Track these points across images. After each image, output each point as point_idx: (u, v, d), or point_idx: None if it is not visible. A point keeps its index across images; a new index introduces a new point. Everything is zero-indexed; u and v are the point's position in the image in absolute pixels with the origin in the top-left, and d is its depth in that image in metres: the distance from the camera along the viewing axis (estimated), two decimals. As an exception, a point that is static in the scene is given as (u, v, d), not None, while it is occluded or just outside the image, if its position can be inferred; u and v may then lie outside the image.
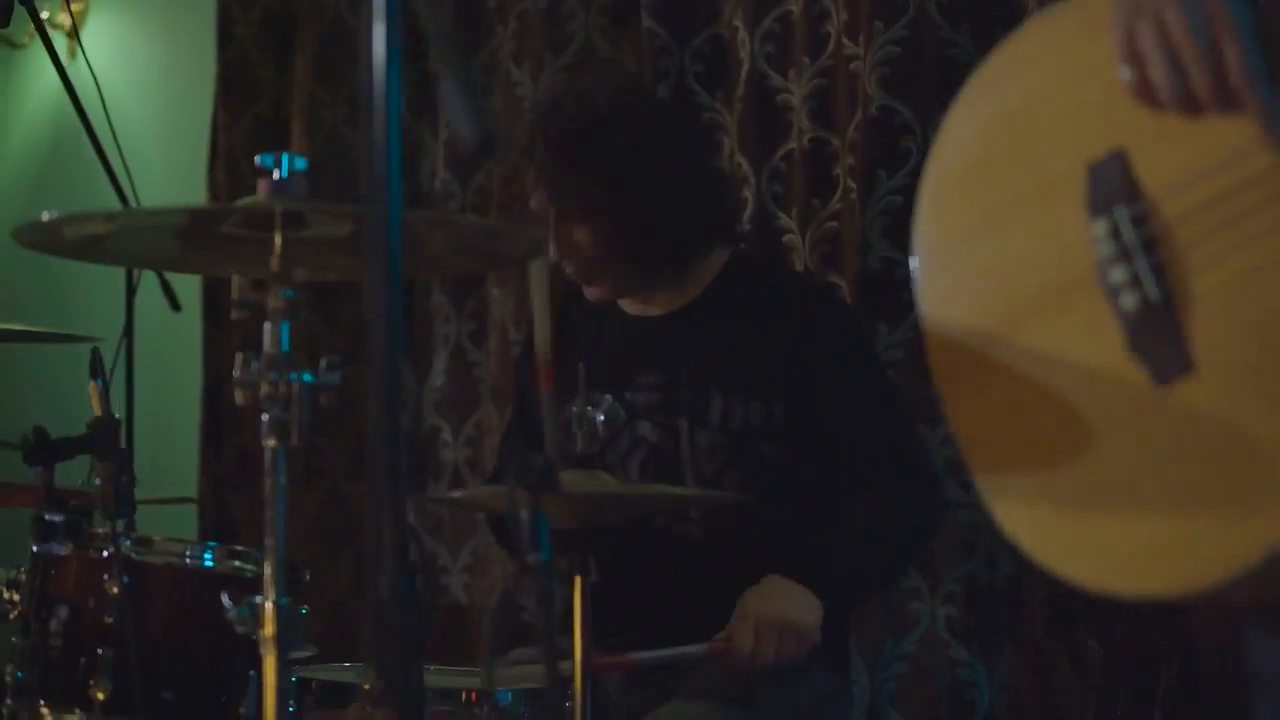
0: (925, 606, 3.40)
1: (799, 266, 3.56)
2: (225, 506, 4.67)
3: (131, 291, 4.19)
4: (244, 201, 2.19)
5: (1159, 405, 1.68)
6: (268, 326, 2.18)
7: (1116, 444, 1.73)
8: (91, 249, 2.31)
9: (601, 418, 2.56)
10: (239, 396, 2.17)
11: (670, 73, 3.79)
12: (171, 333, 4.44)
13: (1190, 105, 1.69)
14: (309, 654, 2.80)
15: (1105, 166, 1.75)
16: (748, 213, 3.67)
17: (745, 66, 3.69)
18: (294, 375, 2.16)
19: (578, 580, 2.56)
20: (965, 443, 1.87)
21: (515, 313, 4.09)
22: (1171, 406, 1.67)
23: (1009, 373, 1.82)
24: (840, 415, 3.03)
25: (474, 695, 2.71)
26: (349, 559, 4.52)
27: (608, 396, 2.59)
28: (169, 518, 4.47)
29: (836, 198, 3.53)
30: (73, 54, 5.32)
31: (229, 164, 4.75)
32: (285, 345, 2.18)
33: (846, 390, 3.04)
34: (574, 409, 2.60)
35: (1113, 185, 1.73)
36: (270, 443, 2.16)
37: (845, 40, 3.49)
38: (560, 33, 4.00)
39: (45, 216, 2.15)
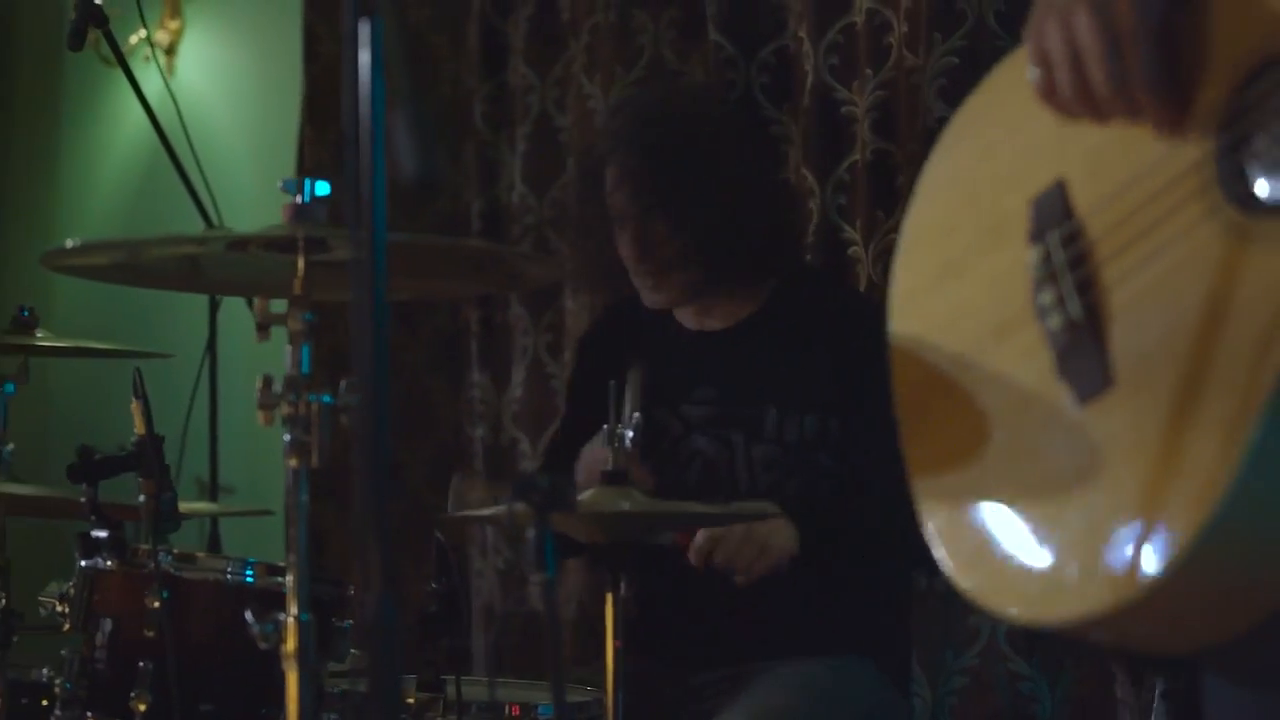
0: (986, 620, 3.43)
1: (863, 279, 3.61)
2: (312, 518, 4.76)
3: (214, 308, 4.33)
4: (267, 229, 2.27)
5: (1077, 424, 1.70)
6: (288, 349, 2.26)
7: (1037, 467, 1.75)
8: (116, 273, 2.42)
9: (630, 434, 2.62)
10: (261, 418, 2.26)
11: (737, 85, 3.86)
12: (259, 345, 4.54)
13: (1092, 106, 1.70)
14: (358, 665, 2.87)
15: (1046, 196, 1.78)
16: (812, 225, 3.71)
17: (810, 79, 3.74)
18: (314, 397, 2.23)
19: (609, 595, 2.61)
20: (915, 477, 1.91)
21: (589, 328, 4.16)
22: (1088, 424, 1.69)
23: (956, 409, 1.86)
24: (877, 431, 3.08)
25: (516, 709, 2.79)
26: (428, 567, 4.61)
27: (637, 415, 2.65)
28: (258, 530, 4.58)
29: (900, 210, 3.56)
30: (170, 72, 5.46)
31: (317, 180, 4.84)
32: (306, 367, 2.25)
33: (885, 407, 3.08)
34: (605, 426, 2.66)
35: (1050, 212, 1.77)
36: (291, 463, 2.24)
37: (906, 52, 3.53)
38: (630, 46, 4.08)
39: (69, 244, 2.26)
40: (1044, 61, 1.72)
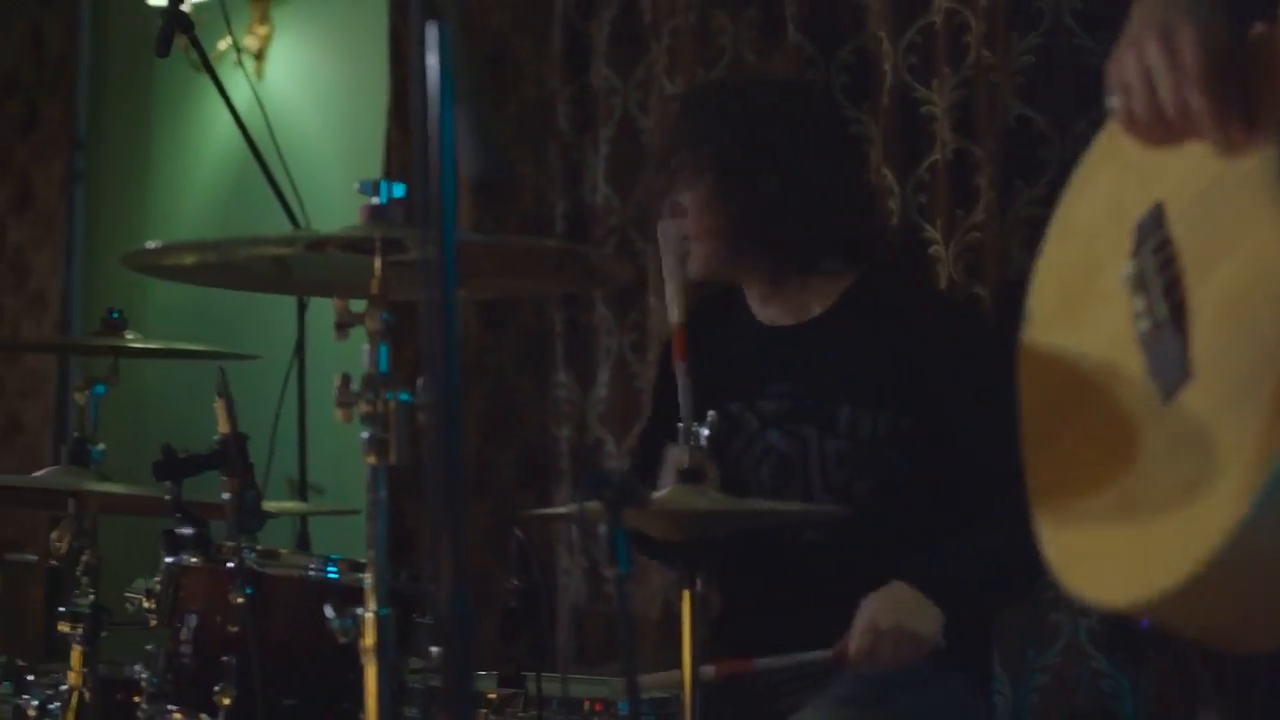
0: (1067, 617, 3.43)
1: (943, 278, 3.62)
2: (399, 516, 4.82)
3: (302, 309, 4.39)
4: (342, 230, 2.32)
5: (1163, 417, 1.75)
6: (366, 348, 2.30)
7: (1128, 463, 1.80)
8: (201, 275, 2.47)
9: (706, 432, 2.64)
10: (339, 415, 2.30)
11: (817, 85, 3.88)
12: (348, 345, 4.59)
13: (1165, 129, 1.75)
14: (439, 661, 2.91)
15: (1147, 218, 1.87)
16: (893, 223, 3.73)
17: (889, 79, 3.76)
18: (391, 395, 2.27)
19: (685, 593, 2.64)
20: (1034, 489, 1.99)
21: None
22: (1172, 416, 1.74)
23: (1077, 421, 1.97)
24: (964, 429, 3.10)
25: (598, 705, 2.83)
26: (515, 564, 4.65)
27: (712, 412, 2.68)
28: (347, 528, 4.63)
29: (980, 208, 3.58)
30: (259, 77, 5.53)
31: (402, 181, 4.89)
32: (383, 365, 2.30)
33: (972, 405, 3.10)
34: (679, 425, 2.69)
35: (1147, 230, 1.84)
36: (370, 460, 2.29)
37: (984, 51, 3.54)
38: (711, 47, 4.11)
39: (150, 245, 2.31)
40: (1123, 90, 1.79)
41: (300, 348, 4.35)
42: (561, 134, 4.54)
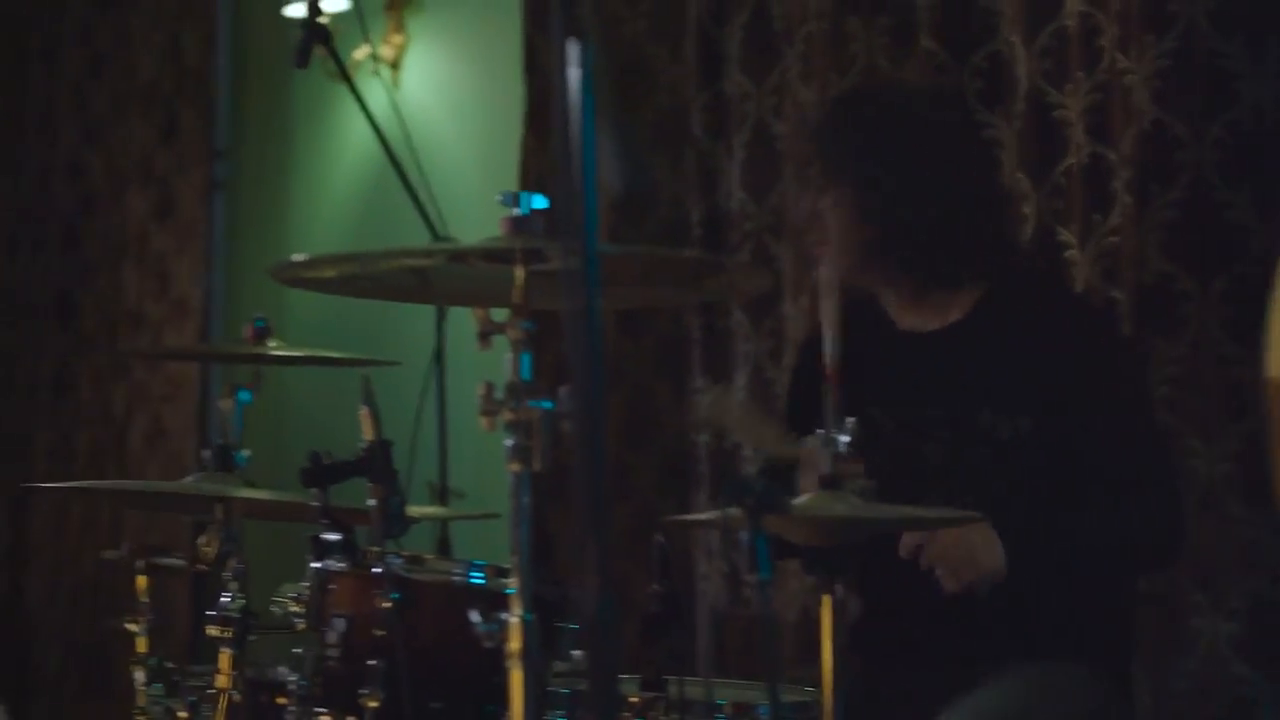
0: (1208, 623, 3.43)
1: (1080, 283, 3.63)
2: (540, 521, 4.85)
3: (441, 316, 4.45)
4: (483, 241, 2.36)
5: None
6: (509, 356, 2.34)
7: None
8: (344, 286, 2.52)
9: (846, 439, 2.66)
10: (484, 423, 2.34)
11: (953, 91, 3.88)
12: (485, 352, 4.64)
13: None
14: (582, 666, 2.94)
15: None
16: (1028, 229, 3.73)
17: (1023, 83, 3.76)
18: (535, 403, 2.31)
19: (825, 599, 2.66)
20: None
21: (810, 331, 4.21)
22: None
23: None
24: (1099, 433, 3.11)
25: (739, 709, 2.85)
26: (656, 568, 4.68)
27: (852, 420, 2.69)
28: (487, 533, 4.68)
29: (1116, 213, 3.58)
30: (396, 85, 5.60)
31: (538, 189, 4.93)
32: (526, 374, 2.33)
33: (1107, 409, 3.12)
34: (819, 431, 2.71)
35: None
36: (514, 467, 2.33)
37: (1118, 54, 3.54)
38: (844, 54, 4.13)
39: (297, 258, 2.36)
40: None
41: (439, 354, 4.41)
42: (696, 141, 4.58)
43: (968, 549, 3.01)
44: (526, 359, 2.36)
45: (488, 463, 4.89)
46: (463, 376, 4.72)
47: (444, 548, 4.32)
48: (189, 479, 3.36)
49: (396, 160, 4.56)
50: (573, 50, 1.86)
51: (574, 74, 1.84)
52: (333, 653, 2.79)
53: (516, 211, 2.43)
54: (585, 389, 1.86)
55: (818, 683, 2.69)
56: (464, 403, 4.68)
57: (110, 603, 6.29)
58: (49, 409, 6.72)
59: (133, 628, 3.48)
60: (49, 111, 6.90)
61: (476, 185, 5.38)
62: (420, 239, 4.87)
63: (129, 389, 6.46)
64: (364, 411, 2.77)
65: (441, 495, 4.38)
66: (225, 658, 3.00)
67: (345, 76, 4.60)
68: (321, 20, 4.17)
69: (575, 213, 1.82)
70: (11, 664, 6.72)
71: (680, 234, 4.59)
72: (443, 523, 4.31)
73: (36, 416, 6.75)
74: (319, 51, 4.35)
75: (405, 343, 4.63)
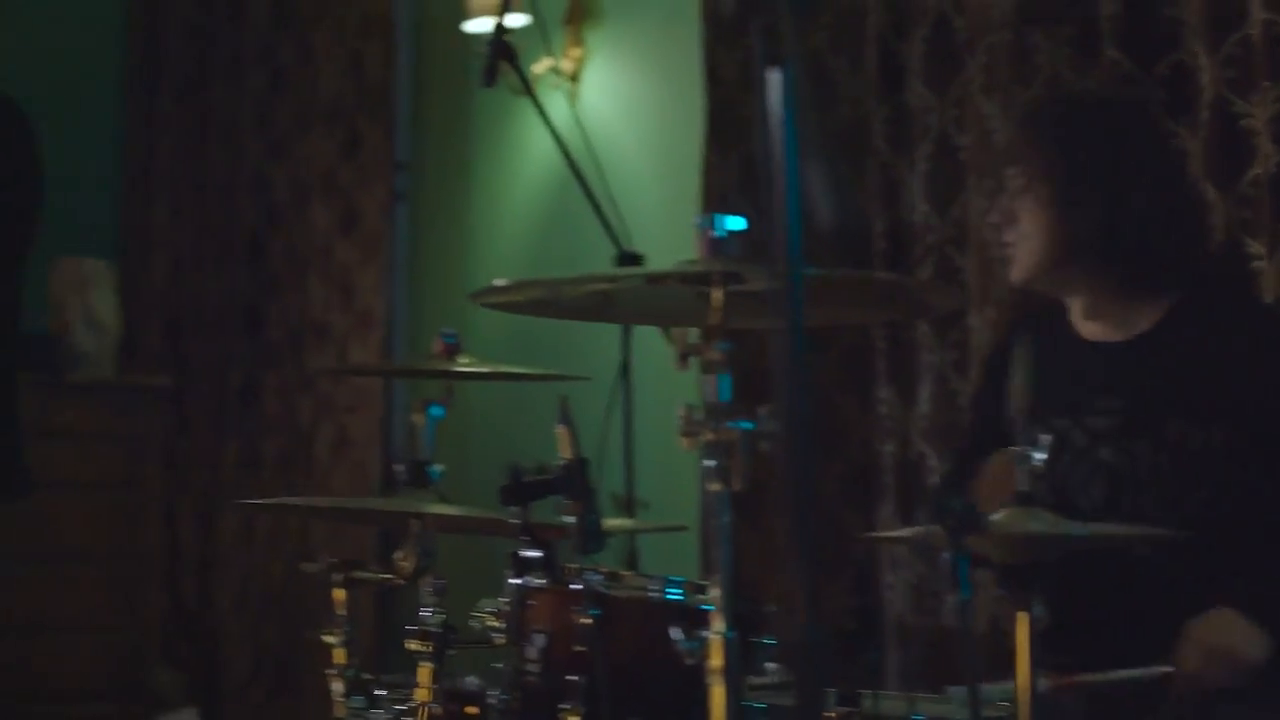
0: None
1: (1269, 293, 3.60)
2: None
3: (627, 331, 4.50)
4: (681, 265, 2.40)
5: None
6: (707, 378, 2.38)
7: None
8: (534, 306, 2.58)
9: (1043, 456, 2.66)
10: (684, 444, 2.38)
11: (1144, 101, 3.87)
12: (669, 365, 4.68)
13: None
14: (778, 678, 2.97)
15: None
16: (1216, 240, 3.72)
17: (1208, 93, 3.74)
18: (733, 424, 2.34)
19: (1021, 615, 2.66)
20: None
21: (995, 346, 4.21)
22: None
23: None
24: None
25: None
26: (846, 582, 4.69)
27: (1048, 436, 2.70)
28: (673, 545, 4.72)
29: (1306, 223, 3.56)
30: (575, 98, 5.65)
31: (720, 202, 4.97)
32: (724, 395, 2.37)
33: None
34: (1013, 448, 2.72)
35: None
36: (714, 487, 2.36)
37: (1304, 63, 3.53)
38: (1027, 65, 4.13)
39: (497, 282, 2.42)
40: None
41: (625, 369, 4.47)
42: (878, 153, 4.58)
43: (1238, 659, 3.01)
44: (725, 380, 2.40)
45: (672, 475, 4.97)
46: (646, 389, 4.79)
47: (632, 559, 4.37)
48: (371, 495, 3.42)
49: (580, 173, 4.62)
50: (775, 80, 1.89)
51: (776, 104, 1.87)
52: (532, 668, 2.84)
53: (714, 234, 2.46)
54: (791, 410, 1.89)
55: (1012, 697, 2.71)
56: (648, 415, 4.76)
57: (298, 611, 6.41)
58: (236, 420, 6.84)
59: (330, 639, 3.54)
60: (233, 127, 7.03)
61: (656, 197, 5.43)
62: (602, 251, 4.93)
63: (315, 400, 6.57)
64: (561, 430, 2.81)
65: (628, 508, 4.43)
66: (425, 671, 3.06)
67: (529, 91, 4.66)
68: (507, 39, 4.23)
69: (780, 236, 1.85)
70: (202, 669, 6.85)
71: (863, 247, 4.60)
72: (630, 535, 4.35)
73: (224, 427, 6.88)
74: (502, 66, 4.42)
75: (586, 356, 4.68)
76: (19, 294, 2.23)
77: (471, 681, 3.18)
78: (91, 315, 6.40)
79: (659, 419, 5.00)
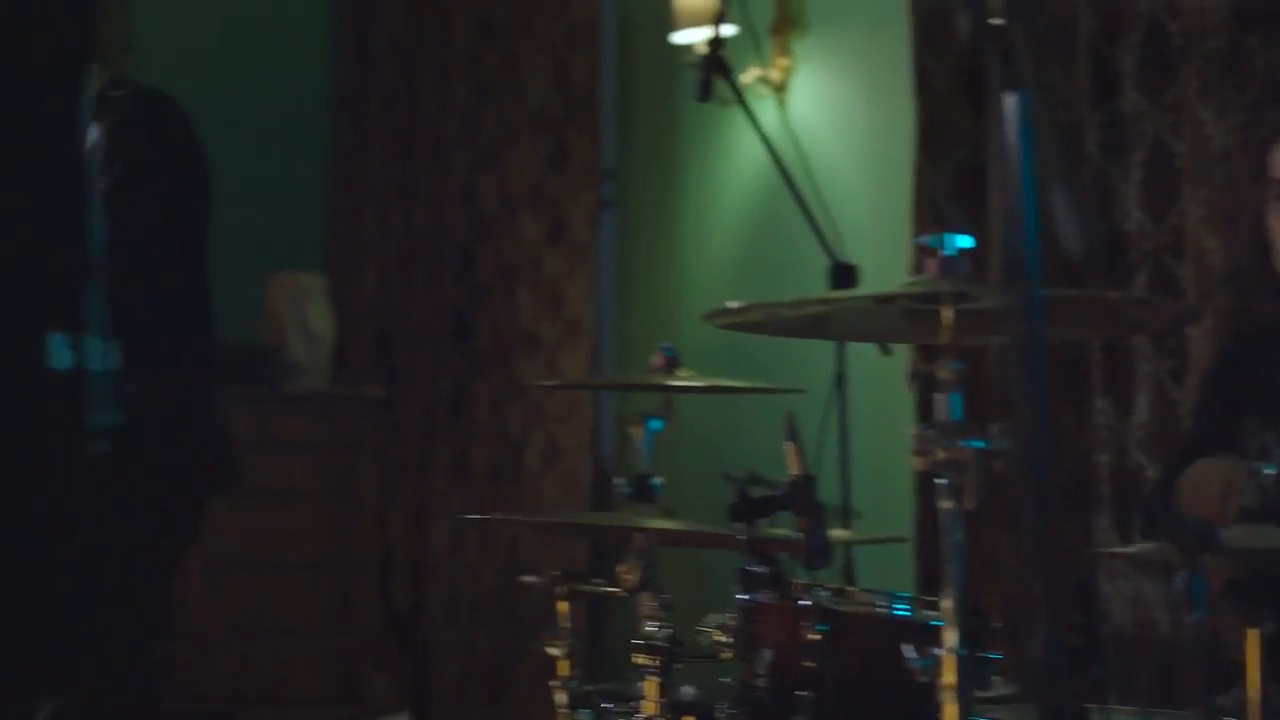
0: None
1: None
2: (939, 543, 4.88)
3: (842, 344, 4.53)
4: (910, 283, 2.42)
5: None
6: (938, 396, 2.40)
7: None
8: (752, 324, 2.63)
9: (1273, 471, 2.65)
10: (916, 462, 2.40)
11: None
12: (885, 374, 4.71)
13: None
14: (1002, 692, 2.98)
15: None
16: None
17: None
18: (966, 442, 2.36)
19: (1252, 631, 2.66)
20: None
21: (1217, 359, 4.18)
22: None
23: None
24: None
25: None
26: (1068, 596, 4.67)
27: (1278, 450, 2.69)
28: (887, 556, 4.74)
29: None
30: (781, 109, 5.68)
31: (932, 210, 4.97)
32: (957, 414, 2.39)
33: None
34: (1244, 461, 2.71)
35: None
36: (946, 505, 2.38)
37: None
38: (1243, 70, 4.10)
39: (730, 304, 2.46)
40: None
41: (840, 381, 4.48)
42: (1092, 160, 4.56)
43: None
44: (957, 399, 2.42)
45: (886, 486, 4.99)
46: (861, 400, 4.80)
47: (848, 570, 4.39)
48: (582, 505, 3.47)
49: (793, 182, 4.64)
50: (1011, 104, 1.91)
51: (1013, 128, 1.89)
52: (760, 683, 2.87)
53: (943, 252, 2.48)
54: (1031, 428, 1.91)
55: (1240, 713, 2.70)
56: (862, 426, 4.78)
57: (508, 618, 6.50)
58: (446, 429, 6.94)
59: (554, 651, 3.60)
60: (440, 139, 7.13)
61: (866, 206, 5.44)
62: (812, 262, 4.95)
63: (525, 409, 6.65)
64: (789, 446, 2.84)
65: (845, 520, 4.44)
66: (652, 685, 3.10)
67: (741, 102, 4.70)
68: (721, 54, 4.27)
69: (1021, 258, 1.88)
70: (415, 675, 6.96)
71: (1108, 268, 4.57)
72: (846, 547, 4.37)
73: (435, 436, 6.98)
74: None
75: (798, 366, 4.69)
76: (207, 281, 2.29)
77: (688, 692, 3.22)
78: (306, 327, 6.53)
79: (873, 430, 5.05)
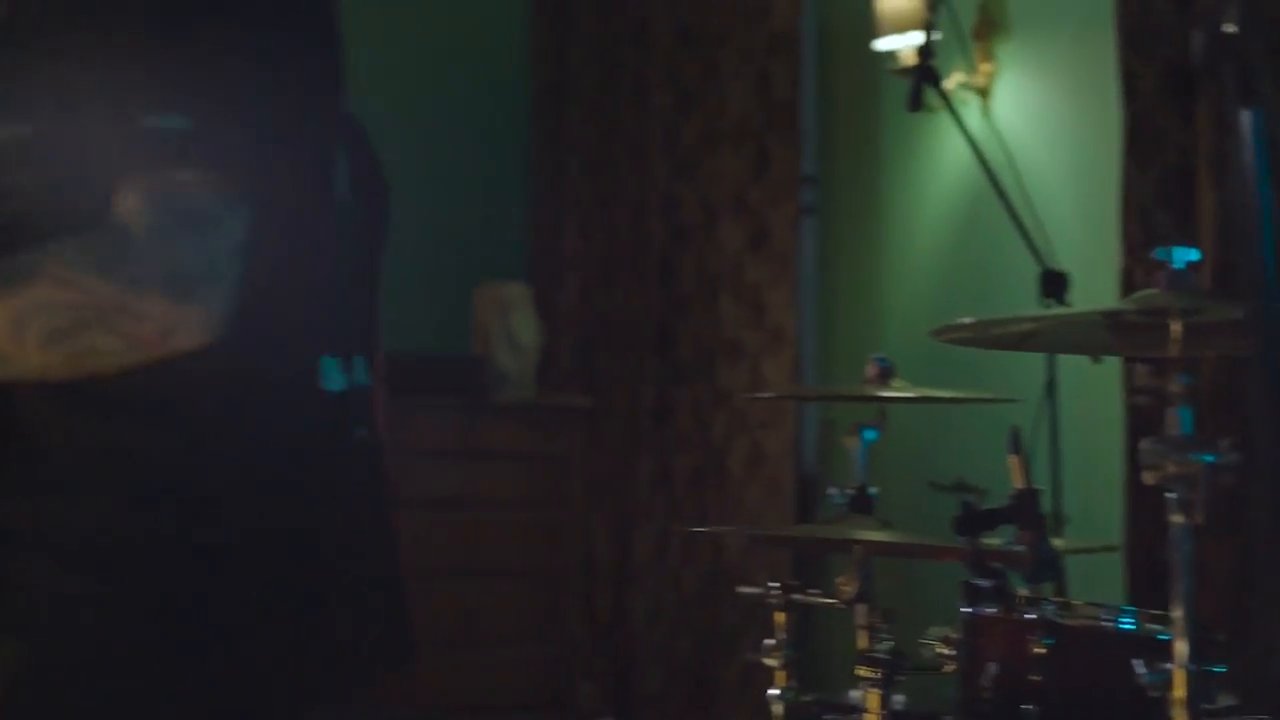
0: None
1: None
2: (1151, 553, 4.86)
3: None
4: (1140, 296, 2.43)
5: None
6: (1169, 410, 2.40)
7: None
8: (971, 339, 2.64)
9: None
10: (1147, 476, 2.40)
11: None
12: (1095, 381, 4.68)
13: None
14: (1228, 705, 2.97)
15: None
16: None
17: None
18: (1196, 456, 2.36)
19: None
20: None
21: None
22: None
23: None
24: None
25: None
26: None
27: None
28: (1097, 565, 4.72)
29: None
30: (985, 115, 5.67)
31: (1140, 217, 4.93)
32: (1186, 428, 2.39)
33: None
34: None
35: None
36: (1176, 520, 2.38)
37: None
38: None
39: (964, 321, 2.48)
40: None
41: (1051, 388, 4.48)
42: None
43: None
44: (1186, 413, 2.42)
45: (1095, 494, 4.97)
46: (1070, 407, 4.79)
47: (1059, 581, 4.37)
48: (785, 513, 3.49)
49: (1002, 189, 4.63)
50: (1246, 118, 1.91)
51: (1249, 146, 1.89)
52: (986, 696, 2.88)
53: (1172, 266, 2.48)
54: (1269, 443, 1.90)
55: None
56: (1072, 434, 4.77)
57: (711, 626, 6.53)
58: (650, 436, 6.98)
59: (770, 662, 3.62)
60: (641, 149, 7.18)
61: (1072, 212, 5.42)
62: (1019, 268, 4.95)
63: (728, 417, 6.68)
64: (1013, 459, 2.86)
65: (1056, 528, 4.43)
66: (874, 698, 3.12)
67: (951, 110, 4.70)
68: (931, 63, 4.28)
69: (1258, 272, 1.88)
70: (618, 681, 7.01)
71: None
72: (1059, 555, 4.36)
73: (637, 444, 7.03)
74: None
75: (1004, 373, 4.69)
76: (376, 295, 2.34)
77: (898, 701, 3.23)
78: (513, 338, 6.61)
79: (1082, 438, 5.03)
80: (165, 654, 2.03)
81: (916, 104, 4.34)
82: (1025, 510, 2.82)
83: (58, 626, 2.04)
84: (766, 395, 6.72)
